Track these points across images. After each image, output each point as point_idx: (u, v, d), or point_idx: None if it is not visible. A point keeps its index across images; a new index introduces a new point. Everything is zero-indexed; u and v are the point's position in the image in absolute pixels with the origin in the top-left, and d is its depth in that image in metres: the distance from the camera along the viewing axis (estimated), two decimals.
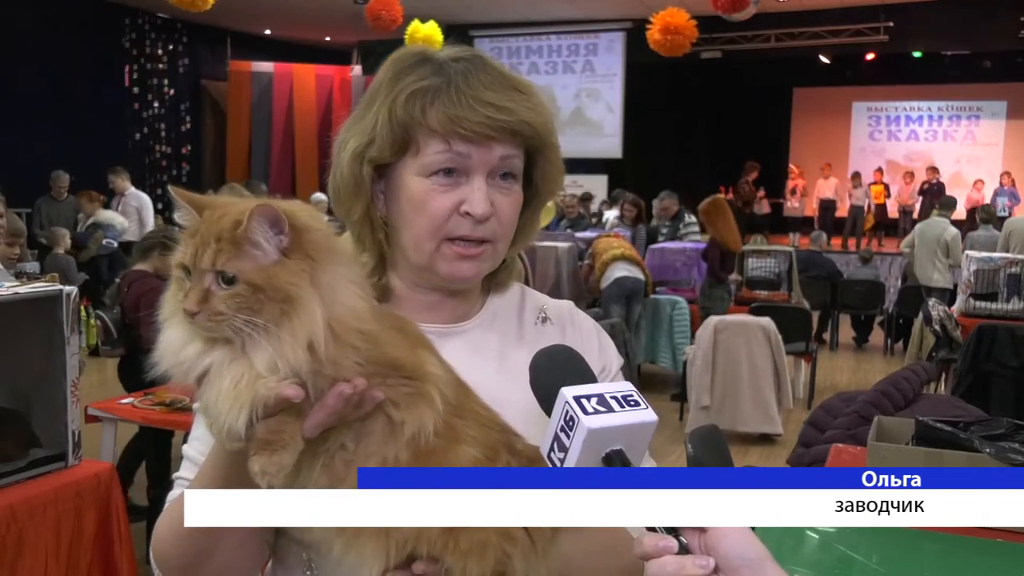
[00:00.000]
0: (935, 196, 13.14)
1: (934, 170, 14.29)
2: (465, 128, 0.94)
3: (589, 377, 0.82)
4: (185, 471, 1.01)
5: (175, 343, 0.82)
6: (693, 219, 9.02)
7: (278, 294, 0.78)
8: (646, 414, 0.77)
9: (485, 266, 1.02)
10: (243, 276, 0.77)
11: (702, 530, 0.71)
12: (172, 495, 1.00)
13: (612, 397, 0.77)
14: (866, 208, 14.23)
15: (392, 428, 0.83)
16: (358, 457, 0.83)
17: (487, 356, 1.05)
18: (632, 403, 0.77)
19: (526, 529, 0.86)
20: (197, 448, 1.00)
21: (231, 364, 0.79)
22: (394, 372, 0.84)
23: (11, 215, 4.76)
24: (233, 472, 0.86)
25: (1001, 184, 14.22)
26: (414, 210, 0.98)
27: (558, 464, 0.76)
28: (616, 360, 1.14)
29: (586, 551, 0.94)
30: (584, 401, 0.75)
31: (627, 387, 0.79)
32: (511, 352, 1.06)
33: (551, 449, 0.77)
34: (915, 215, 13.64)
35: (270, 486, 0.78)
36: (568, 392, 0.76)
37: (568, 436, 0.75)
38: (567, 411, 0.75)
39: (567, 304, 1.16)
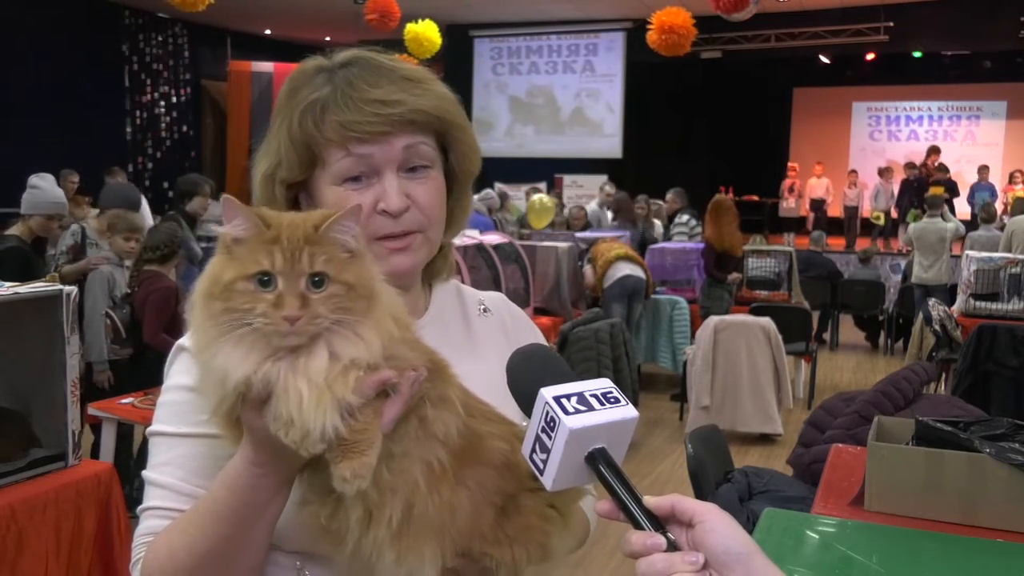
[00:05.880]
0: (915, 193, 12.72)
1: (912, 166, 13.66)
2: (357, 131, 0.95)
3: (567, 376, 0.80)
4: (157, 500, 0.95)
5: (233, 362, 0.76)
6: (685, 218, 9.04)
7: (366, 290, 0.79)
8: (627, 410, 0.75)
9: (421, 255, 1.03)
10: (337, 276, 0.78)
11: (690, 526, 0.70)
12: (149, 527, 0.94)
13: (592, 395, 0.75)
14: (860, 209, 14.09)
15: (425, 427, 0.83)
16: (403, 463, 0.82)
17: None
18: (612, 400, 0.76)
19: (554, 505, 0.87)
20: (172, 474, 0.95)
21: (306, 368, 0.76)
22: (430, 368, 0.85)
23: (128, 214, 4.89)
24: (262, 495, 0.84)
25: (979, 180, 13.48)
26: None
27: (541, 466, 0.75)
28: None
29: None
30: (564, 401, 0.74)
31: (606, 384, 0.78)
32: (465, 361, 1.06)
33: (533, 450, 0.76)
34: (894, 214, 13.29)
35: (359, 490, 0.77)
36: (548, 393, 0.74)
37: (550, 437, 0.73)
38: (547, 412, 0.74)
39: (499, 295, 1.23)
